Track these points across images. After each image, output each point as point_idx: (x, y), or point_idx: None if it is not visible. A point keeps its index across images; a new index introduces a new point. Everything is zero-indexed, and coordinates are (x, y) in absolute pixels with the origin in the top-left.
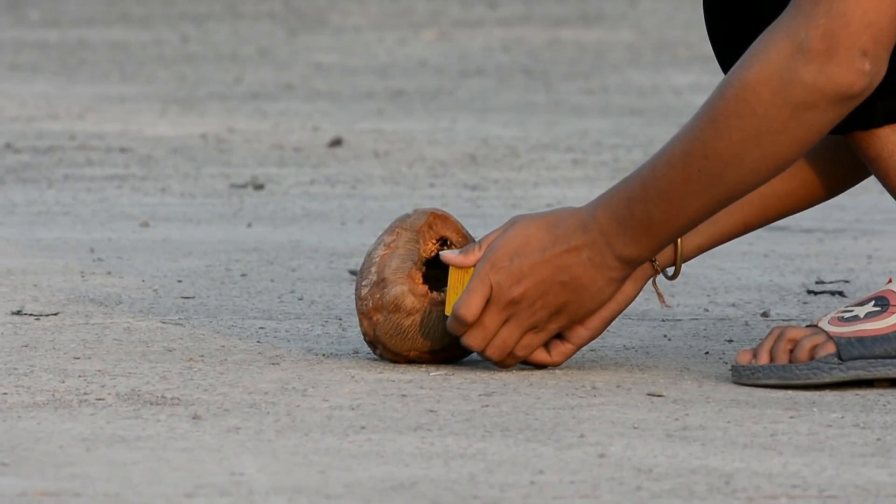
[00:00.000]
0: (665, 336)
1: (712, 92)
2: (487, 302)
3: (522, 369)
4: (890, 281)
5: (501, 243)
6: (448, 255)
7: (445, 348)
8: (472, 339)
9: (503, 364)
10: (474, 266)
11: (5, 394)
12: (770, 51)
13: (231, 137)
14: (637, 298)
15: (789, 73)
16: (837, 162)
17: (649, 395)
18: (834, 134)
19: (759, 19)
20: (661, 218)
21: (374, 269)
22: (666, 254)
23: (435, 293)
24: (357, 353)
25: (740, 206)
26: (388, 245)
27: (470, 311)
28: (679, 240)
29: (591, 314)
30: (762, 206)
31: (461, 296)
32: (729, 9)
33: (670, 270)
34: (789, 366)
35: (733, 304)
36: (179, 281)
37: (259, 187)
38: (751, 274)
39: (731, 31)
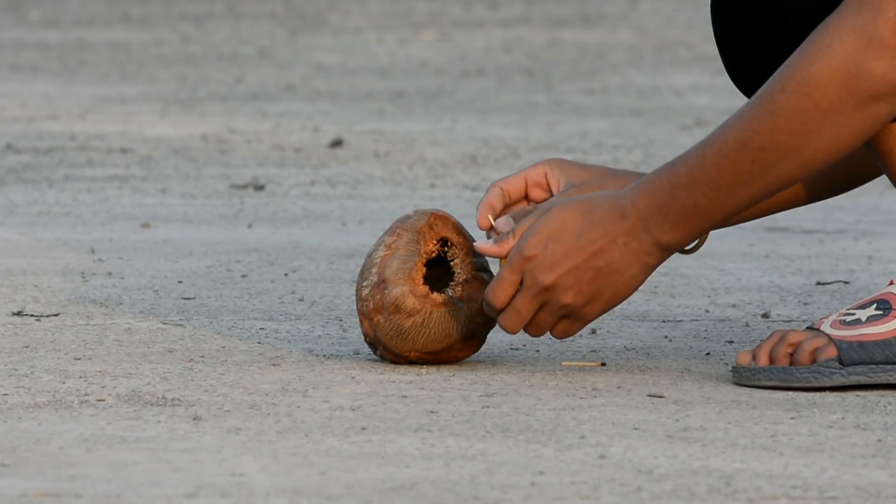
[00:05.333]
0: (666, 337)
1: (769, 83)
2: (521, 288)
3: (523, 370)
4: (891, 283)
5: (535, 229)
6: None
7: (446, 349)
8: (506, 322)
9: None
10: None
11: (6, 395)
12: (835, 45)
13: (231, 138)
14: (637, 300)
15: (857, 66)
16: (827, 169)
17: (650, 395)
18: None
19: (769, 26)
20: (706, 205)
21: (374, 270)
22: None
23: (436, 294)
24: (358, 354)
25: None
26: (389, 246)
27: (497, 298)
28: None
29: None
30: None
31: (491, 282)
32: (738, 15)
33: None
34: (790, 368)
35: (734, 305)
36: (180, 282)
37: (259, 188)
38: (751, 275)
39: (740, 38)
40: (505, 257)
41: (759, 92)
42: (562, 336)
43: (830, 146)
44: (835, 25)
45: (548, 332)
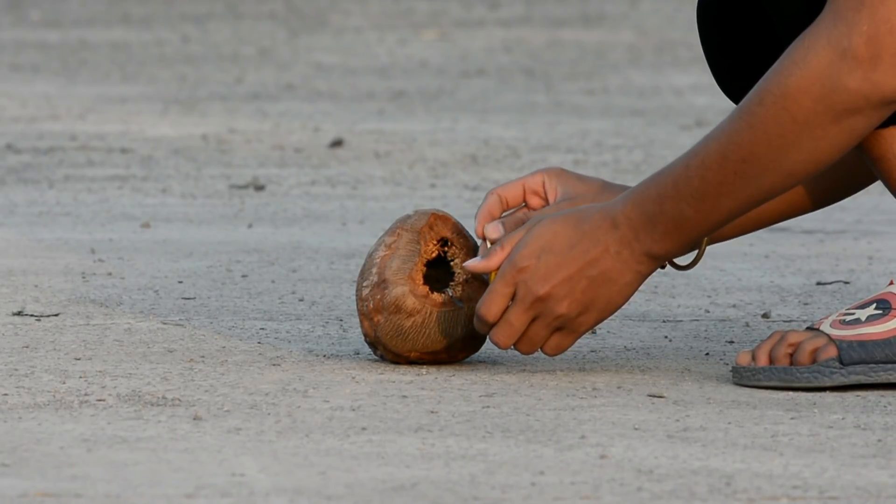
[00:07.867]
0: (666, 337)
1: (749, 96)
2: (514, 300)
3: (523, 370)
4: (891, 283)
5: (527, 241)
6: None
7: (446, 349)
8: (498, 337)
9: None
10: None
11: (6, 395)
12: (810, 59)
13: (232, 138)
14: (637, 300)
15: (832, 80)
16: (819, 178)
17: (650, 396)
18: None
19: (756, 33)
20: (692, 216)
21: (374, 270)
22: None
23: (436, 294)
24: (358, 354)
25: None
26: (389, 246)
27: (490, 311)
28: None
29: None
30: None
31: (483, 295)
32: (724, 23)
33: (682, 260)
34: (790, 368)
35: (734, 305)
36: (180, 282)
37: (260, 188)
38: (751, 275)
39: (727, 46)
40: (495, 271)
41: (739, 104)
42: (553, 352)
43: (810, 158)
44: (810, 39)
45: (538, 350)
